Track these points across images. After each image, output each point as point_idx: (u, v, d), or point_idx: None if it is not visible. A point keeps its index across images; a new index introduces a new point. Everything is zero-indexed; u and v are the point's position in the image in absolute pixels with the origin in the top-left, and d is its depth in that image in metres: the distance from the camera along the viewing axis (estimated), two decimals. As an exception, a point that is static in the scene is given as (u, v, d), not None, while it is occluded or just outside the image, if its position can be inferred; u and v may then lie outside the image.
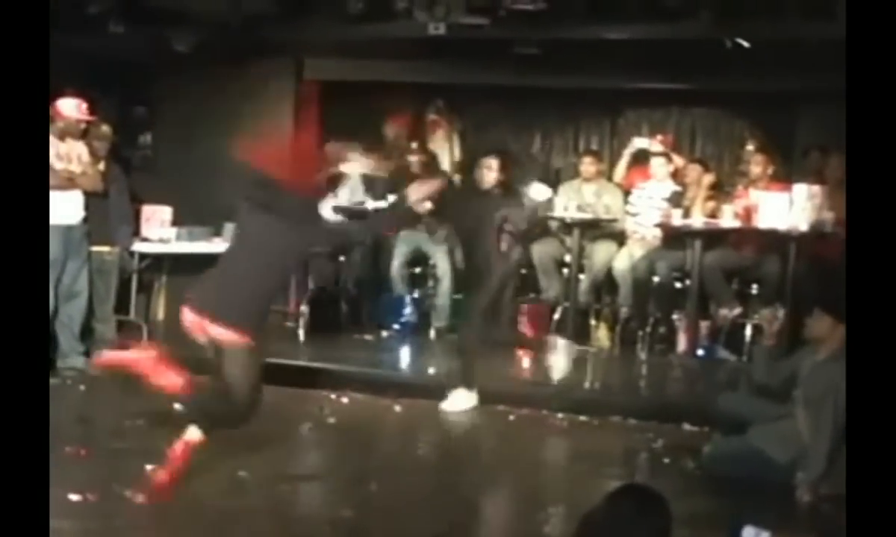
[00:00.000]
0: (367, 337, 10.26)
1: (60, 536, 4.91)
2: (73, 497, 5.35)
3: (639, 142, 10.78)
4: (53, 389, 7.72)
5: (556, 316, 10.19)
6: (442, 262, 10.41)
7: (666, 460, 6.87)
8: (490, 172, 8.11)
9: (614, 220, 10.29)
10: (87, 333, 8.85)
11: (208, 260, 9.88)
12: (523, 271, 10.38)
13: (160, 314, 10.32)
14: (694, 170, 10.17)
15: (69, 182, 8.46)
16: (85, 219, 8.64)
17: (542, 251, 10.36)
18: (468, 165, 9.80)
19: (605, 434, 7.58)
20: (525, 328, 10.20)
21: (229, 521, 5.23)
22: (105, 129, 9.14)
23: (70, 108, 8.48)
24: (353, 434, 7.31)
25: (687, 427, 7.61)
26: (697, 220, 9.64)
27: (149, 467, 5.62)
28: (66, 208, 8.45)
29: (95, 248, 8.85)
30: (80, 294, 8.66)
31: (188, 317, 5.67)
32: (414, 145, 10.97)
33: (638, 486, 3.42)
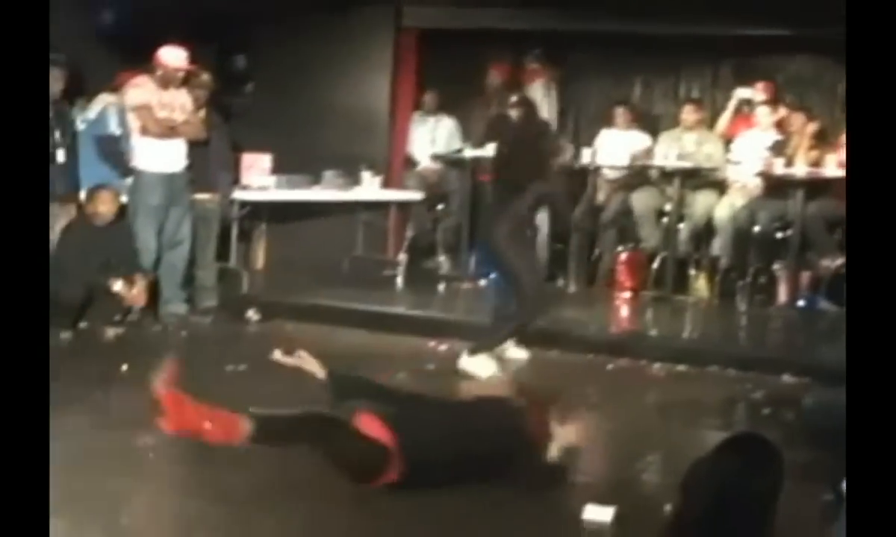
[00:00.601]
0: (465, 285, 10.28)
1: (168, 483, 5.05)
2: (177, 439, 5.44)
3: (741, 93, 10.61)
4: (155, 335, 8.09)
5: (655, 265, 10.13)
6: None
7: (765, 411, 6.80)
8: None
9: (715, 169, 10.17)
10: (188, 280, 8.98)
11: (307, 208, 10.09)
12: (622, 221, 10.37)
13: (259, 262, 10.44)
14: (798, 119, 9.99)
15: (171, 130, 8.56)
16: (188, 167, 8.74)
17: (641, 200, 10.29)
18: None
19: (704, 384, 7.52)
20: (622, 276, 10.14)
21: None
22: (206, 77, 9.15)
23: (171, 56, 8.55)
24: (448, 381, 7.32)
25: (787, 378, 7.52)
26: (800, 169, 9.49)
27: (251, 409, 5.66)
28: (168, 156, 8.58)
29: (198, 196, 8.93)
30: (182, 241, 8.76)
31: None
32: (513, 96, 10.91)
33: (751, 436, 3.29)
